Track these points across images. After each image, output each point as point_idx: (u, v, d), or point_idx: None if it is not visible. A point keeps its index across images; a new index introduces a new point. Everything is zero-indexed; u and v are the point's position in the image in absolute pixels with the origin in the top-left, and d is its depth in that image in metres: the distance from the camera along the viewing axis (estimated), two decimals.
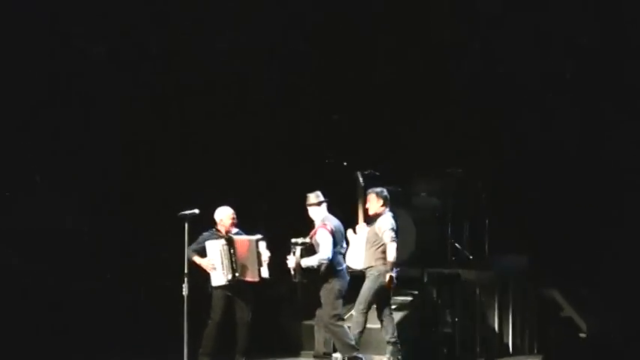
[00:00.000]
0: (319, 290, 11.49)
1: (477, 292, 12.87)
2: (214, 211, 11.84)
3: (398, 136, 14.42)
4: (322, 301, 11.49)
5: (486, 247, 13.57)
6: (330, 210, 11.73)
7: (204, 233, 11.77)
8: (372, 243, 11.68)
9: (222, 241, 11.63)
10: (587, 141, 13.39)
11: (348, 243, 11.81)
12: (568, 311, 12.76)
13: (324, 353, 12.02)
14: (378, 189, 11.83)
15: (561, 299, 12.78)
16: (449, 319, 12.80)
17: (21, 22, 12.89)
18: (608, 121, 13.30)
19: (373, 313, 11.70)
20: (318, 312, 11.78)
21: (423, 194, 13.89)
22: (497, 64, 13.97)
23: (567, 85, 13.56)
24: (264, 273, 11.60)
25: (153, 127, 13.86)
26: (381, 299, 11.66)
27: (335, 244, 11.43)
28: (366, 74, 14.49)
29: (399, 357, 11.57)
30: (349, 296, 11.70)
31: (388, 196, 11.77)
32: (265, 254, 11.62)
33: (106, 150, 13.57)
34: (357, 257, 11.84)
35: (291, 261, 11.38)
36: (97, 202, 13.44)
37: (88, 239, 13.36)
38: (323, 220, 11.54)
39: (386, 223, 11.59)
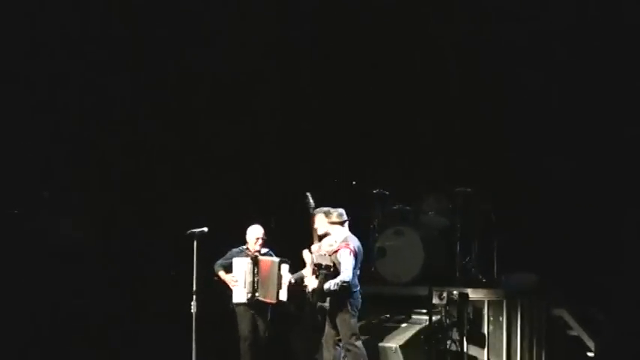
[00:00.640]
0: (331, 309, 11.44)
1: (486, 310, 12.86)
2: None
3: (407, 156, 14.46)
4: (338, 321, 11.35)
5: (495, 265, 13.54)
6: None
7: (234, 250, 11.85)
8: None
9: (249, 260, 11.67)
10: (599, 159, 13.39)
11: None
12: (576, 330, 12.73)
13: None
14: (325, 208, 11.81)
15: (570, 318, 12.76)
16: (457, 337, 12.77)
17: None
18: (620, 139, 13.31)
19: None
20: (326, 330, 11.77)
21: (431, 213, 13.90)
22: (507, 82, 14.00)
23: (577, 103, 13.57)
24: (282, 296, 11.62)
25: (164, 141, 13.94)
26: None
27: (355, 265, 11.43)
28: (375, 94, 14.55)
29: None
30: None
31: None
32: (286, 277, 11.63)
33: (114, 165, 13.64)
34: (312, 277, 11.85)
35: (312, 283, 11.31)
36: (105, 219, 13.50)
37: (95, 256, 13.42)
38: (345, 240, 11.43)
39: (332, 241, 11.60)
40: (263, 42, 14.45)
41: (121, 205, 13.74)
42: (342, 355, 11.59)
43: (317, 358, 12.24)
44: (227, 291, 11.76)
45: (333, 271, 11.22)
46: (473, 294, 12.86)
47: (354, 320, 11.37)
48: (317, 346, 12.34)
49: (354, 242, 11.41)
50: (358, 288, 11.44)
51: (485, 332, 12.85)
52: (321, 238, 11.74)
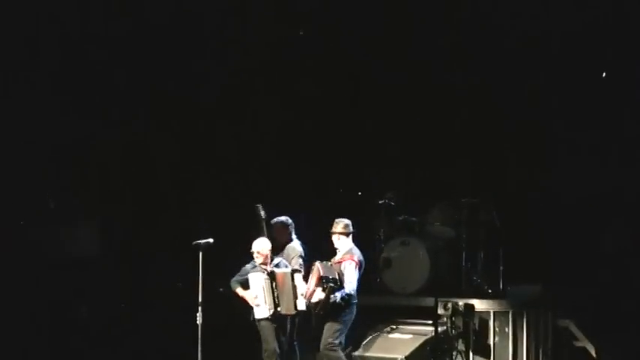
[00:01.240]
0: (324, 317, 11.45)
1: (491, 321, 12.84)
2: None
3: (412, 166, 14.47)
4: (326, 326, 11.42)
5: (501, 276, 13.52)
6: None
7: (247, 265, 11.82)
8: None
9: (265, 276, 11.63)
10: (606, 170, 13.39)
11: None
12: (582, 341, 12.71)
13: None
14: (283, 218, 11.86)
15: (576, 329, 12.74)
16: (462, 349, 12.76)
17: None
18: (629, 155, 13.32)
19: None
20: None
21: (437, 224, 13.89)
22: (514, 94, 14.01)
23: (585, 116, 13.58)
24: (300, 305, 11.57)
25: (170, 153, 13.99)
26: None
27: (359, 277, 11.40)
28: (382, 106, 14.58)
29: None
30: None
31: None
32: (300, 287, 11.59)
33: (118, 177, 13.68)
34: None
35: (319, 295, 11.30)
36: (111, 231, 13.52)
37: (101, 268, 13.44)
38: (350, 252, 11.47)
39: (294, 250, 11.70)
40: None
41: (125, 213, 13.76)
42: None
43: None
44: (247, 305, 11.73)
45: (340, 282, 11.23)
46: (479, 305, 12.85)
47: (341, 333, 11.35)
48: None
49: (359, 254, 11.43)
50: (356, 301, 11.47)
51: (491, 343, 12.83)
52: (282, 247, 11.83)
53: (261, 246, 11.74)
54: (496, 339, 12.85)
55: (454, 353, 12.71)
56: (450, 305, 12.72)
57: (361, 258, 11.44)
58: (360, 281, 11.60)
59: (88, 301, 13.16)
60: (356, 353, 12.58)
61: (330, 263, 11.43)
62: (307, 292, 11.41)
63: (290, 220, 12.13)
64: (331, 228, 11.72)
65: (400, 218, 13.93)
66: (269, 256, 11.74)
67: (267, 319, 11.66)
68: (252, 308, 11.67)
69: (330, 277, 11.17)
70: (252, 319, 11.73)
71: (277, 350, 11.62)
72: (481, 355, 12.81)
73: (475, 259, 13.62)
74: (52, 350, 12.72)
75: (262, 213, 11.96)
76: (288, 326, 11.82)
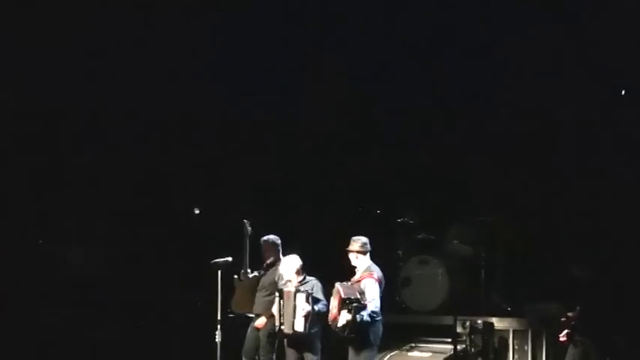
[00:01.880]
0: (356, 342, 11.33)
1: (511, 340, 12.83)
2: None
3: (431, 185, 14.49)
4: (361, 354, 11.05)
5: (519, 294, 13.51)
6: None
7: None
8: (266, 289, 11.73)
9: (276, 293, 11.59)
10: (626, 185, 13.40)
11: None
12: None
13: None
14: (272, 236, 11.85)
15: (594, 347, 12.69)
16: None
17: None
18: None
19: None
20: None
21: (455, 242, 13.91)
22: (529, 113, 14.03)
23: (597, 130, 13.60)
24: (298, 326, 11.25)
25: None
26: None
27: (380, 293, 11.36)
28: (399, 124, 14.63)
29: None
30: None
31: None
32: (301, 307, 11.25)
33: (135, 197, 13.78)
34: (242, 302, 11.86)
35: (345, 317, 10.99)
36: (127, 251, 13.61)
37: (119, 287, 13.51)
38: (369, 269, 11.27)
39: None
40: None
41: (140, 234, 13.86)
42: None
43: None
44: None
45: (363, 302, 11.13)
46: (498, 323, 12.84)
47: (373, 353, 11.28)
48: None
49: (378, 271, 11.36)
50: (380, 317, 11.36)
51: None
52: (270, 265, 11.81)
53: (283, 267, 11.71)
54: (515, 357, 12.84)
55: None
56: (468, 323, 12.72)
57: (380, 275, 11.34)
58: (381, 298, 11.53)
59: (108, 319, 13.19)
60: None
61: (350, 283, 11.34)
62: (331, 316, 11.27)
63: (279, 240, 11.98)
64: (348, 246, 11.66)
65: (419, 237, 13.96)
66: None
67: (274, 333, 11.62)
68: None
69: (353, 298, 11.01)
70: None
71: None
72: None
73: (494, 277, 13.62)
74: None
75: (249, 229, 11.88)
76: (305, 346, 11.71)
